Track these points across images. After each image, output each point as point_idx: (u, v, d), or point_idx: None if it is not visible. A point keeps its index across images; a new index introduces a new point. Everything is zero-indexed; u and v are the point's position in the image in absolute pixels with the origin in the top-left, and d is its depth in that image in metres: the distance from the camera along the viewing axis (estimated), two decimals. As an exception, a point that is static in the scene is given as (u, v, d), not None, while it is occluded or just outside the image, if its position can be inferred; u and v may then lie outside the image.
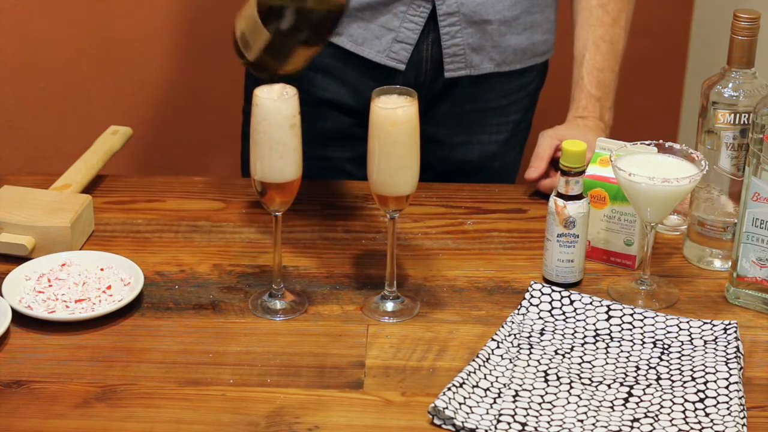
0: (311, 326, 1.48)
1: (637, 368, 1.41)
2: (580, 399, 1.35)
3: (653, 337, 1.46)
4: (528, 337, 1.45)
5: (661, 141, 1.53)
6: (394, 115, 1.39)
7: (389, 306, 1.51)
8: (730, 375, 1.37)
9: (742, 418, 1.31)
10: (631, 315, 1.48)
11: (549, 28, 1.87)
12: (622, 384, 1.37)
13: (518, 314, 1.49)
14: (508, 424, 1.30)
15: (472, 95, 1.86)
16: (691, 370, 1.40)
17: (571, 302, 1.50)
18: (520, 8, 1.81)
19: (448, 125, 1.89)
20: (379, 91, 1.42)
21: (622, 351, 1.44)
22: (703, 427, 1.31)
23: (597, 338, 1.46)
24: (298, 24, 1.52)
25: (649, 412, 1.33)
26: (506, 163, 1.97)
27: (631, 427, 1.30)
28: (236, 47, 1.59)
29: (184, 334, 1.46)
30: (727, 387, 1.36)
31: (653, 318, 1.48)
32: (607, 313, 1.49)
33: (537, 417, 1.31)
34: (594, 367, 1.41)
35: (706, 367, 1.39)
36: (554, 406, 1.33)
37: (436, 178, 1.85)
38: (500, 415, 1.31)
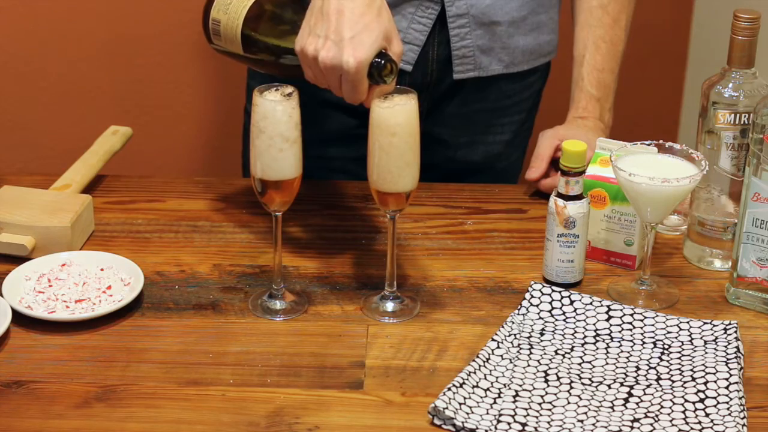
0: (311, 326, 1.48)
1: (637, 368, 1.41)
2: (580, 399, 1.35)
3: (653, 337, 1.46)
4: (528, 337, 1.45)
5: (661, 141, 1.53)
6: (394, 114, 1.39)
7: (389, 306, 1.51)
8: (730, 375, 1.37)
9: (742, 419, 1.31)
10: (631, 315, 1.48)
11: (553, 28, 1.87)
12: (622, 384, 1.37)
13: (518, 314, 1.49)
14: (508, 424, 1.30)
15: (478, 96, 1.86)
16: (691, 370, 1.40)
17: (571, 302, 1.50)
18: (527, 9, 1.81)
19: (453, 125, 1.89)
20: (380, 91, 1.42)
21: (622, 351, 1.44)
22: (703, 427, 1.31)
23: (597, 338, 1.46)
24: (270, 65, 1.54)
25: (649, 412, 1.33)
26: (510, 163, 1.97)
27: (631, 428, 1.30)
28: (205, 23, 1.59)
29: (184, 334, 1.46)
30: (727, 387, 1.36)
31: (653, 318, 1.48)
32: (607, 313, 1.49)
33: (537, 417, 1.31)
34: (594, 367, 1.41)
35: (706, 367, 1.39)
36: (554, 407, 1.33)
37: (440, 178, 1.85)
38: (500, 415, 1.31)
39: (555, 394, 1.35)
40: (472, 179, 1.88)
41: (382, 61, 1.42)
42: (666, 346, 1.44)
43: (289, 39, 1.49)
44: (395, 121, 1.39)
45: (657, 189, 1.45)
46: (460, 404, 1.31)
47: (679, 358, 1.42)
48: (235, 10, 1.54)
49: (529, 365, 1.39)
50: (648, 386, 1.37)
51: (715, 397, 1.35)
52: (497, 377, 1.37)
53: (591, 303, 1.50)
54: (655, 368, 1.40)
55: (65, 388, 1.36)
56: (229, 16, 1.54)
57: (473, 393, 1.34)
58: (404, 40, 1.76)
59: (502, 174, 1.95)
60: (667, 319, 1.48)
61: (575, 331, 1.47)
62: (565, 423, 1.31)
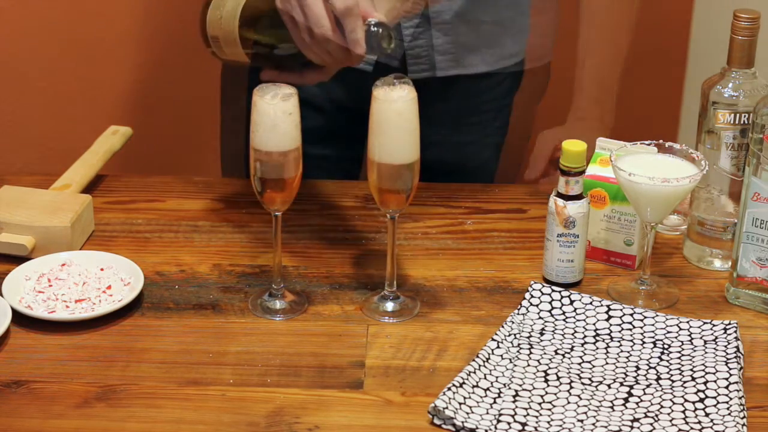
0: (311, 326, 1.48)
1: (637, 368, 1.41)
2: (580, 399, 1.35)
3: (653, 337, 1.46)
4: (528, 337, 1.45)
5: (661, 141, 1.53)
6: (394, 104, 1.39)
7: (389, 306, 1.51)
8: (730, 375, 1.37)
9: (742, 418, 1.31)
10: (631, 315, 1.48)
11: (521, 29, 1.85)
12: (622, 384, 1.37)
13: (518, 314, 1.49)
14: (508, 424, 1.30)
15: (441, 96, 1.85)
16: (691, 370, 1.40)
17: (571, 302, 1.50)
18: (490, 13, 1.79)
19: (421, 125, 1.88)
20: (380, 82, 1.42)
21: (622, 351, 1.44)
22: (703, 427, 1.31)
23: (597, 338, 1.46)
24: (279, 60, 1.54)
25: (649, 412, 1.33)
26: (482, 163, 1.95)
27: (631, 427, 1.30)
28: (203, 31, 1.59)
29: (184, 334, 1.46)
30: (727, 387, 1.36)
31: (653, 318, 1.48)
32: (607, 313, 1.49)
33: (537, 417, 1.31)
34: (594, 367, 1.41)
35: (706, 367, 1.40)
36: (554, 406, 1.33)
37: None
38: (500, 415, 1.31)
39: (555, 394, 1.35)
40: (443, 179, 1.87)
41: (380, 30, 1.42)
42: (666, 346, 1.44)
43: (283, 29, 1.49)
44: (396, 108, 1.39)
45: (657, 189, 1.45)
46: (460, 404, 1.32)
47: (679, 357, 1.42)
48: (228, 21, 1.55)
49: (529, 365, 1.39)
50: (648, 386, 1.37)
51: (715, 397, 1.35)
52: (497, 377, 1.37)
53: (591, 303, 1.50)
54: (654, 368, 1.40)
55: (65, 388, 1.36)
56: (225, 20, 1.54)
57: (473, 393, 1.34)
58: None
59: (473, 174, 1.93)
60: (666, 319, 1.48)
61: (575, 331, 1.47)
62: (564, 423, 1.31)
